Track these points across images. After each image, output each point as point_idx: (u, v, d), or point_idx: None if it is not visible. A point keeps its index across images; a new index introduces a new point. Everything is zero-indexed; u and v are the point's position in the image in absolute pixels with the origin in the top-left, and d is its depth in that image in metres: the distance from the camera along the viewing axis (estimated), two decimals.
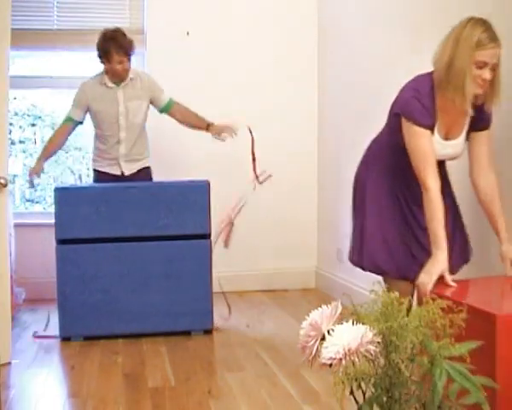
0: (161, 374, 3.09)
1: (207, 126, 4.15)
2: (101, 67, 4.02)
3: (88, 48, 4.84)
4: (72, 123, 4.06)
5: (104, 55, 3.86)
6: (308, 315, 1.43)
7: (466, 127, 2.46)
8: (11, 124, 4.91)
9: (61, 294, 3.64)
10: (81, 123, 4.09)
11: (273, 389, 2.87)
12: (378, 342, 1.29)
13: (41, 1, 4.75)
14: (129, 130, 4.05)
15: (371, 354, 1.28)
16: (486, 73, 2.28)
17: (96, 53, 3.92)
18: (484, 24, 2.31)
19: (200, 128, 4.18)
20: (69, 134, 4.11)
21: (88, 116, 4.09)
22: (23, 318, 4.16)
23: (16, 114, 5.12)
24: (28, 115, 5.22)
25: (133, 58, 4.33)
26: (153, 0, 4.84)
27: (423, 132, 2.38)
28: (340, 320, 1.36)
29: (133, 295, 3.68)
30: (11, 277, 3.48)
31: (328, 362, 1.29)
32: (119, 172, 4.08)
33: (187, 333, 3.73)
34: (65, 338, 3.64)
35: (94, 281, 3.64)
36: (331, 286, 4.57)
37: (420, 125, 2.38)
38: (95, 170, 4.15)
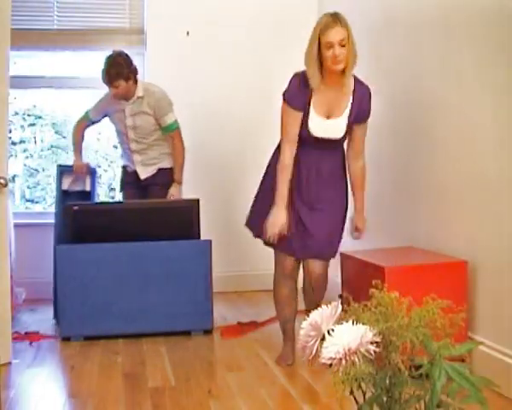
0: (161, 374, 3.09)
1: (173, 180, 4.20)
2: None
3: (88, 48, 4.86)
4: (87, 120, 4.25)
5: (104, 81, 4.02)
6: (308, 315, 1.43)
7: (347, 110, 2.97)
8: (11, 124, 4.91)
9: (61, 294, 3.65)
10: (96, 122, 4.29)
11: (273, 389, 2.87)
12: (378, 343, 1.29)
13: (41, 1, 4.75)
14: (139, 142, 4.16)
15: (371, 354, 1.28)
16: (335, 51, 2.79)
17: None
18: (332, 14, 2.87)
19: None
20: (85, 129, 4.30)
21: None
22: (23, 318, 4.16)
23: (16, 113, 5.12)
24: (28, 115, 5.22)
25: (133, 58, 4.33)
26: (153, 0, 4.84)
27: (290, 112, 2.96)
28: (339, 320, 1.37)
29: (133, 296, 3.68)
30: (11, 277, 3.48)
31: (328, 362, 1.29)
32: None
33: (187, 333, 3.73)
34: (65, 338, 3.64)
35: (94, 281, 3.64)
36: (331, 286, 4.56)
37: (288, 104, 2.96)
38: (123, 167, 4.35)
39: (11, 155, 4.89)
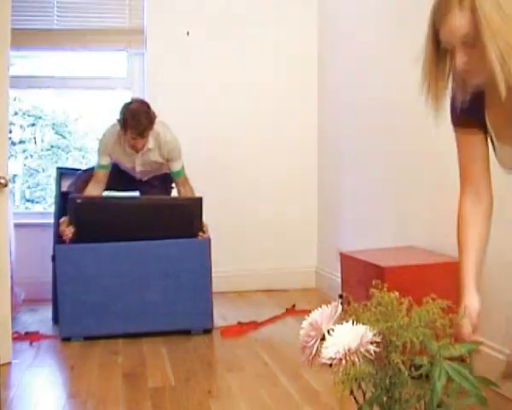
0: (161, 374, 3.09)
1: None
2: None
3: (88, 48, 4.87)
4: (106, 169, 3.99)
5: (122, 126, 3.78)
6: (308, 315, 1.43)
7: None
8: (11, 124, 4.91)
9: (61, 294, 3.65)
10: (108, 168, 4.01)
11: (273, 389, 2.86)
12: (378, 343, 1.29)
13: (41, 1, 4.75)
14: (145, 173, 4.12)
15: (371, 354, 1.28)
16: (456, 59, 1.50)
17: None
18: None
19: None
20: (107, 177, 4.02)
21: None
22: (23, 318, 4.16)
23: (16, 113, 5.12)
24: (28, 115, 5.22)
25: (133, 58, 4.34)
26: (153, 0, 4.85)
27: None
28: (340, 320, 1.37)
29: (133, 295, 3.68)
30: (11, 277, 3.48)
31: (329, 362, 1.29)
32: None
33: (187, 333, 3.73)
34: (65, 338, 3.64)
35: (94, 281, 3.64)
36: (331, 286, 4.57)
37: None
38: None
39: (11, 155, 4.90)
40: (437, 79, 1.61)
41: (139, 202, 3.99)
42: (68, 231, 3.71)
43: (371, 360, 1.29)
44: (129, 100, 3.93)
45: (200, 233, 3.82)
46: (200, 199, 3.84)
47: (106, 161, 3.97)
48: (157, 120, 3.86)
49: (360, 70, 4.26)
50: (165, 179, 4.16)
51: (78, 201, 3.74)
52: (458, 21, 1.46)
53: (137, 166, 4.01)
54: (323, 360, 1.29)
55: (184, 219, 3.82)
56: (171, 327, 3.71)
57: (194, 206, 3.84)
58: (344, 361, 1.26)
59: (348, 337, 1.28)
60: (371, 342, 1.28)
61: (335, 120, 4.73)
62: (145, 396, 2.80)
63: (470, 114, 1.65)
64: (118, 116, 3.79)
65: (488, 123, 1.68)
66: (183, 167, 4.06)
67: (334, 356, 1.27)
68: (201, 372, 3.12)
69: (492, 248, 2.85)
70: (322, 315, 1.38)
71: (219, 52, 4.91)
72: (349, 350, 1.26)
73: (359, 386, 1.31)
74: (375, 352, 1.28)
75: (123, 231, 3.72)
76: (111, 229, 3.71)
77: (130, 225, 3.75)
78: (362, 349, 1.26)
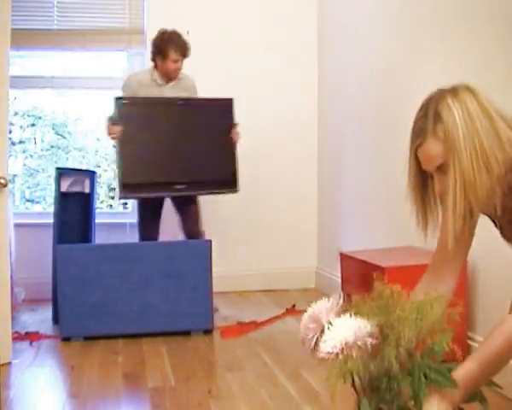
0: (161, 374, 3.09)
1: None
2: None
3: (88, 48, 4.86)
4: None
5: (160, 52, 4.00)
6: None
7: None
8: (11, 124, 4.91)
9: (61, 294, 3.65)
10: None
11: (273, 389, 2.86)
12: (376, 337, 1.29)
13: (41, 1, 4.75)
14: None
15: (368, 348, 1.27)
16: (435, 183, 1.50)
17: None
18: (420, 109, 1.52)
19: None
20: None
21: None
22: (23, 318, 4.16)
23: (16, 114, 5.12)
24: (28, 115, 5.22)
25: (133, 58, 4.34)
26: (153, 0, 4.85)
27: None
28: (340, 313, 1.36)
29: (133, 295, 3.68)
30: (11, 277, 3.48)
31: (326, 356, 1.29)
32: None
33: (187, 333, 3.73)
34: (65, 338, 3.64)
35: (94, 281, 3.64)
36: (331, 286, 4.56)
37: None
38: None
39: (11, 156, 4.89)
40: (423, 202, 1.60)
41: (177, 101, 4.10)
42: (116, 129, 3.85)
43: (368, 353, 1.28)
44: (158, 32, 4.07)
45: (233, 130, 4.10)
46: (231, 100, 4.13)
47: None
48: None
49: (361, 71, 4.26)
50: None
51: (124, 100, 3.94)
52: (433, 150, 1.44)
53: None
54: (321, 355, 1.29)
55: (218, 118, 4.13)
56: (171, 327, 3.71)
57: (226, 105, 4.13)
58: (341, 356, 1.25)
59: (346, 331, 1.27)
60: (369, 336, 1.28)
61: (335, 120, 4.73)
62: (145, 396, 2.80)
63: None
64: (152, 49, 4.03)
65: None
66: None
67: (331, 350, 1.27)
68: (201, 372, 3.12)
69: (492, 248, 2.85)
70: (322, 307, 1.38)
71: (219, 52, 4.91)
72: (346, 344, 1.25)
73: (358, 378, 1.30)
74: (372, 345, 1.28)
75: (163, 131, 3.97)
76: (153, 128, 3.92)
77: (168, 123, 4.01)
78: (359, 343, 1.26)
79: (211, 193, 4.18)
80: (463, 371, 1.39)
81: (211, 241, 3.80)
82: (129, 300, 3.67)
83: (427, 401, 1.33)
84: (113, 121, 3.88)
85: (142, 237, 4.14)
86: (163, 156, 3.99)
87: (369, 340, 1.28)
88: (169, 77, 4.09)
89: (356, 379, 1.31)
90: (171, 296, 3.71)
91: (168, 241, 3.91)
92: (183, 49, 4.05)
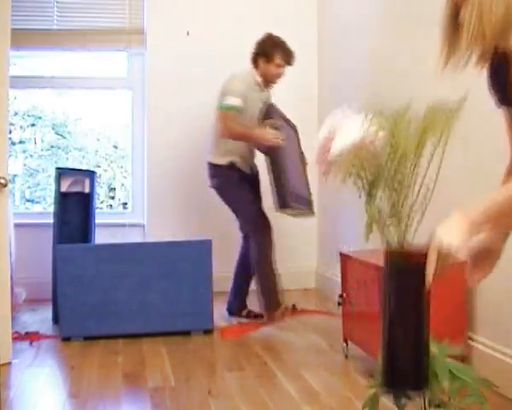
0: (161, 374, 3.09)
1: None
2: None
3: (88, 48, 4.86)
4: (236, 111, 3.90)
5: (265, 54, 3.97)
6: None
7: None
8: (11, 124, 4.91)
9: (61, 294, 3.65)
10: (240, 111, 3.93)
11: (273, 389, 2.87)
12: (383, 138, 1.33)
13: (41, 1, 4.75)
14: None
15: (376, 149, 1.33)
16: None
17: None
18: None
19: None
20: None
21: None
22: (23, 318, 4.16)
23: (16, 114, 5.12)
24: (28, 115, 5.22)
25: (133, 58, 4.34)
26: (153, 0, 4.85)
27: None
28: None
29: (133, 295, 3.68)
30: (11, 277, 3.48)
31: (336, 158, 1.35)
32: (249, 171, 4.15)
33: (187, 333, 3.73)
34: (65, 338, 3.64)
35: (94, 281, 3.64)
36: (331, 286, 4.57)
37: None
38: (231, 163, 4.04)
39: (11, 156, 4.90)
40: (452, 44, 1.63)
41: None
42: (271, 135, 3.79)
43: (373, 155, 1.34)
44: (264, 35, 4.04)
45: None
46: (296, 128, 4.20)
47: (238, 102, 3.89)
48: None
49: (361, 71, 4.26)
50: None
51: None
52: None
53: (257, 109, 3.98)
54: (332, 157, 1.35)
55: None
56: (171, 327, 3.71)
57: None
58: (350, 155, 1.31)
59: (355, 132, 1.33)
60: (376, 138, 1.33)
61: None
62: (145, 396, 2.80)
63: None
64: (256, 50, 4.01)
65: None
66: None
67: (341, 149, 1.32)
68: (201, 372, 3.12)
69: None
70: (339, 118, 1.41)
71: (219, 52, 4.91)
72: (356, 144, 1.31)
73: (360, 175, 1.37)
74: (377, 149, 1.33)
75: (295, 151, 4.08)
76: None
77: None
78: (367, 141, 1.31)
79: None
80: (475, 208, 1.45)
81: (211, 241, 3.80)
82: (129, 300, 3.67)
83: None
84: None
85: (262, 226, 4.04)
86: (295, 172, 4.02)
87: (377, 143, 1.32)
88: (268, 81, 4.05)
89: (358, 179, 1.39)
90: (171, 296, 3.71)
91: (168, 241, 3.91)
92: (289, 57, 4.00)
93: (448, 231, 1.39)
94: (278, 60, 3.98)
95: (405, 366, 1.38)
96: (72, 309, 3.62)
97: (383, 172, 1.39)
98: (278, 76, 4.05)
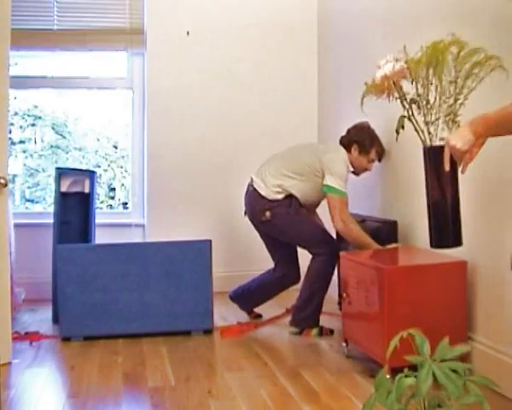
0: (161, 374, 3.09)
1: None
2: None
3: (88, 48, 4.86)
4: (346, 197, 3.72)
5: (364, 147, 3.73)
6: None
7: None
8: (11, 124, 4.91)
9: (61, 294, 3.65)
10: None
11: (273, 389, 2.87)
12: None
13: (41, 1, 4.75)
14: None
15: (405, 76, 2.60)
16: None
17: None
18: None
19: None
20: None
21: None
22: (23, 318, 4.16)
23: (16, 113, 5.13)
24: (28, 115, 5.22)
25: (133, 58, 4.32)
26: (153, 0, 4.85)
27: None
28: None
29: (133, 295, 3.68)
30: (11, 277, 3.48)
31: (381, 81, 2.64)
32: None
33: (187, 333, 3.73)
34: (65, 338, 3.64)
35: (94, 281, 3.64)
36: (331, 286, 4.56)
37: None
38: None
39: (11, 155, 4.90)
40: None
41: None
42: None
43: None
44: (363, 124, 3.77)
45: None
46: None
47: (345, 188, 3.72)
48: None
49: (361, 71, 4.26)
50: None
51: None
52: None
53: None
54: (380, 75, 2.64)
55: None
56: (171, 327, 3.71)
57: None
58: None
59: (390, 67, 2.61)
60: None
61: (336, 122, 4.73)
62: (145, 396, 2.80)
63: None
64: (354, 137, 3.74)
65: None
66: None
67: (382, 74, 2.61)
68: (201, 372, 3.12)
69: (492, 248, 2.85)
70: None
71: (219, 52, 4.91)
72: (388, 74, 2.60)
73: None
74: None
75: None
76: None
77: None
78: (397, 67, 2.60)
79: None
80: (481, 115, 1.89)
81: (211, 241, 3.80)
82: (129, 300, 3.67)
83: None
84: None
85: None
86: None
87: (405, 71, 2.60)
88: (357, 172, 3.85)
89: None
90: (171, 296, 3.72)
91: (168, 241, 3.91)
92: (381, 155, 3.80)
93: (455, 136, 1.90)
94: (373, 155, 3.77)
95: (448, 224, 2.34)
96: (72, 309, 3.62)
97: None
98: (366, 170, 3.84)
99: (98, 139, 5.36)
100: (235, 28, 4.93)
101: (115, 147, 5.43)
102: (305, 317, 3.76)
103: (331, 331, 3.75)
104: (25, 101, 5.18)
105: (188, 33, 4.87)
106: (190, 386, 2.91)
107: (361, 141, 3.75)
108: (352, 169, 3.80)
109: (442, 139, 2.38)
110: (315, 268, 3.75)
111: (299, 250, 3.98)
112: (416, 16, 3.51)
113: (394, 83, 2.64)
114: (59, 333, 3.69)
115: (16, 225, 4.41)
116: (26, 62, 5.04)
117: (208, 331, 3.77)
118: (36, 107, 5.24)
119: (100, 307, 3.64)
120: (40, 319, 4.12)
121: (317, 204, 3.99)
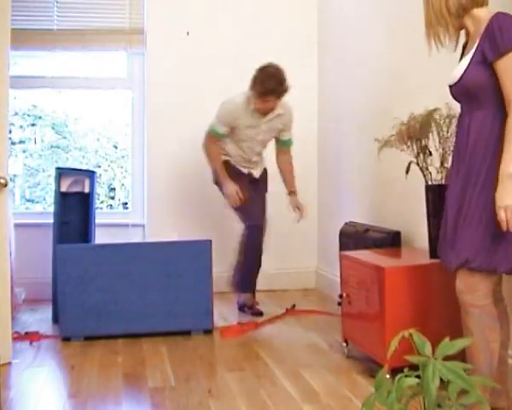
0: (161, 374, 3.09)
1: (289, 192, 4.36)
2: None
3: (88, 48, 4.86)
4: (218, 136, 4.16)
5: (260, 87, 3.94)
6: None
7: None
8: (11, 124, 4.91)
9: (61, 294, 3.65)
10: (224, 136, 4.18)
11: (273, 389, 2.86)
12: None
13: (41, 1, 4.75)
14: (258, 154, 4.28)
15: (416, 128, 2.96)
16: None
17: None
18: None
19: (285, 184, 4.39)
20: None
21: None
22: (23, 318, 4.16)
23: (16, 113, 5.13)
24: (28, 115, 5.23)
25: (133, 58, 4.31)
26: (153, 0, 4.85)
27: None
28: None
29: (133, 295, 3.68)
30: (11, 277, 3.48)
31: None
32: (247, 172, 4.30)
33: (187, 333, 3.73)
34: (65, 338, 3.64)
35: (94, 281, 3.64)
36: (331, 286, 4.57)
37: None
38: (226, 162, 4.25)
39: (11, 155, 4.90)
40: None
41: None
42: (233, 199, 4.06)
43: None
44: (264, 64, 4.01)
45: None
46: None
47: (224, 130, 4.12)
48: None
49: (361, 70, 4.26)
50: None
51: None
52: None
53: (262, 133, 4.12)
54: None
55: None
56: (171, 327, 3.71)
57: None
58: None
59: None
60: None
61: (336, 122, 4.73)
62: (145, 396, 2.80)
63: None
64: (252, 80, 3.97)
65: None
66: (291, 139, 4.34)
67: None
68: (201, 372, 3.12)
69: None
70: None
71: (219, 52, 4.91)
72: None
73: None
74: None
75: None
76: None
77: None
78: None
79: None
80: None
81: (211, 241, 3.80)
82: (129, 300, 3.67)
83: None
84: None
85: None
86: None
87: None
88: (260, 113, 4.06)
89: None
90: (171, 296, 3.72)
91: (168, 241, 3.91)
92: (279, 95, 3.97)
93: (504, 196, 2.04)
94: (256, 95, 3.98)
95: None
96: (72, 309, 3.62)
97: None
98: (267, 109, 4.05)
99: (98, 139, 5.37)
100: (234, 28, 4.94)
101: (115, 147, 5.44)
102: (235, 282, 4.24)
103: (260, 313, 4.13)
104: (25, 101, 5.18)
105: (188, 33, 4.87)
106: (190, 386, 2.91)
107: (252, 84, 3.99)
108: (256, 111, 4.04)
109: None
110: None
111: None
112: (416, 16, 3.51)
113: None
114: (59, 333, 3.69)
115: (16, 225, 4.41)
116: (25, 62, 5.04)
117: (208, 331, 3.77)
118: (36, 107, 5.25)
119: (100, 307, 3.64)
120: (40, 319, 4.12)
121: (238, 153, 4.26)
